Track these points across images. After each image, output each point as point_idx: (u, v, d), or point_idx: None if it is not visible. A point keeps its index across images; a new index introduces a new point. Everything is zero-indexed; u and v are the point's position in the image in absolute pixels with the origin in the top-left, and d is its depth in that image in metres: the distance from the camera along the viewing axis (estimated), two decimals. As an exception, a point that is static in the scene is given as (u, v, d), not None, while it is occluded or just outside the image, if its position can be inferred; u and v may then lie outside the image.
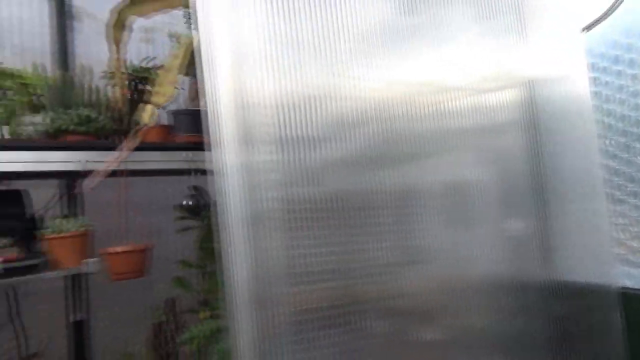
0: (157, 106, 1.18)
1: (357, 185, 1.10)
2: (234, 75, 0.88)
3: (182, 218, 2.27)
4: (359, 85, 1.10)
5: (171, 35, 1.79)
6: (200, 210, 2.16)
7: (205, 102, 0.82)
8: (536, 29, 1.48)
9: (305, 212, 1.03)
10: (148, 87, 2.00)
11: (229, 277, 0.89)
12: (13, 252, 1.63)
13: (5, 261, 1.58)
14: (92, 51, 2.34)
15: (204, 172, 2.09)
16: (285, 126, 1.00)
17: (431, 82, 1.24)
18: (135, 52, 2.46)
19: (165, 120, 2.13)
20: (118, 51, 1.38)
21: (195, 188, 2.23)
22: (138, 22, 2.44)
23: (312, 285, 1.02)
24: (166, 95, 1.18)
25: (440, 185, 1.24)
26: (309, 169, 1.03)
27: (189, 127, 1.98)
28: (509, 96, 1.37)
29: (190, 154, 1.96)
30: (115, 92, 1.85)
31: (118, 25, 1.30)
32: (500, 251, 1.30)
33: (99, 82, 2.00)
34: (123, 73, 1.67)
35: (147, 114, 1.16)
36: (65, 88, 1.86)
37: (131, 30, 1.33)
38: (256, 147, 0.93)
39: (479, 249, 1.29)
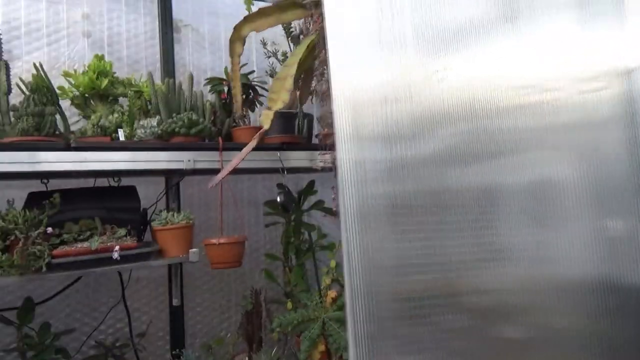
0: (274, 111, 1.31)
1: (450, 181, 1.16)
2: (348, 75, 0.98)
3: (270, 213, 2.43)
4: (453, 81, 1.15)
5: (276, 49, 1.93)
6: (288, 206, 2.29)
7: (332, 104, 0.92)
8: (637, 11, 1.42)
9: (403, 207, 1.10)
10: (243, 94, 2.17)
11: (346, 268, 0.99)
12: (129, 241, 1.83)
13: (123, 249, 1.79)
14: (192, 60, 2.57)
15: (292, 170, 2.23)
16: (387, 124, 1.08)
17: (522, 76, 1.25)
18: (227, 59, 2.66)
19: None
20: (236, 62, 1.53)
21: (282, 186, 2.37)
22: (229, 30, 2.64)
23: (410, 277, 1.09)
24: (282, 101, 1.30)
25: (531, 183, 1.26)
26: (406, 165, 1.10)
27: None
28: (604, 88, 1.35)
29: (280, 153, 2.10)
30: (216, 98, 2.03)
31: (236, 40, 1.45)
32: (594, 251, 1.30)
33: (201, 88, 2.20)
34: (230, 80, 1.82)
35: (266, 119, 1.29)
36: (171, 95, 2.06)
37: (243, 42, 1.47)
38: (364, 144, 1.02)
39: (570, 249, 1.30)
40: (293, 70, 1.33)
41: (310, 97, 1.90)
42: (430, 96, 1.12)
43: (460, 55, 1.18)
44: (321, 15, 1.41)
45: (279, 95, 1.32)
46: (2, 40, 1.97)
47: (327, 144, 1.90)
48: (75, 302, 2.19)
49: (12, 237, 1.62)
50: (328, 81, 0.95)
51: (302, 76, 1.41)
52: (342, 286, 2.08)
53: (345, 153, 1.01)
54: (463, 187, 1.16)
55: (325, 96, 1.43)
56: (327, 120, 1.55)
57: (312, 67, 1.53)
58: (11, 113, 1.82)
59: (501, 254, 1.24)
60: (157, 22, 2.46)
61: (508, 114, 1.23)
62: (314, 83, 1.66)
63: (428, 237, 1.14)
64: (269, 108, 1.33)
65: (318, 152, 2.05)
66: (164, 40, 2.44)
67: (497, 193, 1.21)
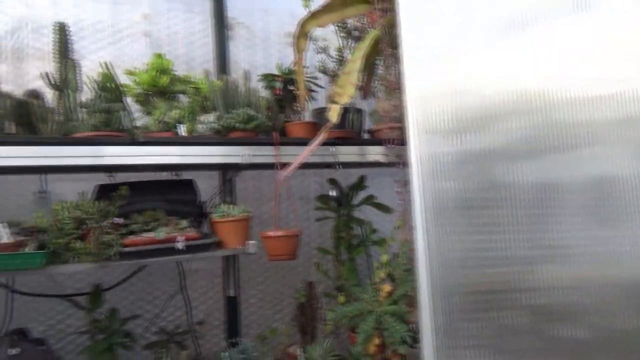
0: (341, 105, 1.33)
1: (520, 175, 1.14)
2: (421, 69, 0.99)
3: (321, 208, 2.46)
4: (523, 73, 1.13)
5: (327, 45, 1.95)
6: (340, 201, 2.32)
7: (404, 98, 0.93)
8: None
9: (474, 201, 1.10)
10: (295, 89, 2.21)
11: (419, 261, 1.00)
12: (192, 233, 1.90)
13: (186, 239, 1.86)
14: (244, 56, 2.63)
15: (343, 165, 2.25)
16: (459, 117, 1.08)
17: (592, 67, 1.21)
18: (277, 56, 2.71)
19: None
20: (300, 58, 1.57)
21: (335, 181, 2.40)
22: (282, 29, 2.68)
23: (481, 271, 1.09)
24: (348, 96, 1.32)
25: (602, 179, 1.23)
26: (476, 159, 1.09)
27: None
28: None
29: (334, 148, 2.12)
30: (270, 93, 2.08)
31: (301, 36, 1.48)
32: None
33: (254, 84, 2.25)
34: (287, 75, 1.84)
35: (334, 113, 1.31)
36: (228, 91, 2.11)
37: (309, 39, 1.50)
38: (435, 137, 1.03)
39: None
40: (358, 64, 1.34)
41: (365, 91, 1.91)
42: (501, 89, 1.11)
43: (530, 46, 1.16)
44: (384, 10, 1.42)
45: (345, 90, 1.33)
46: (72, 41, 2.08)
47: (388, 139, 1.89)
48: (138, 290, 2.29)
49: (86, 227, 1.71)
50: (399, 75, 0.96)
51: (366, 71, 1.42)
52: (394, 280, 2.09)
53: (416, 147, 1.02)
54: (533, 181, 1.15)
55: (391, 90, 1.44)
56: (390, 114, 1.56)
57: (375, 63, 1.54)
58: (81, 109, 1.92)
59: (571, 250, 1.22)
60: (211, 21, 2.53)
61: (580, 107, 1.20)
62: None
63: (499, 231, 1.13)
64: (335, 102, 1.35)
65: (374, 146, 2.06)
66: (217, 38, 2.50)
67: (568, 187, 1.18)
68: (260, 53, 2.68)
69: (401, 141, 1.83)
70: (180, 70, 2.35)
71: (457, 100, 1.03)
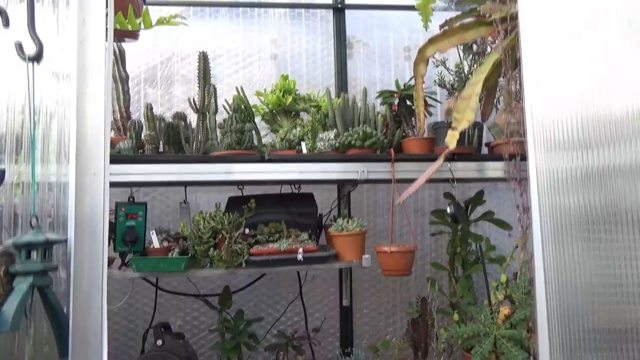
0: (459, 131, 1.33)
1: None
2: (543, 85, 0.96)
3: (436, 223, 2.43)
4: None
5: (444, 57, 1.95)
6: (458, 217, 2.27)
7: (524, 114, 0.93)
8: None
9: (598, 221, 1.03)
10: (412, 104, 2.23)
11: (538, 283, 0.97)
12: (310, 245, 2.02)
13: (305, 251, 1.97)
14: (363, 73, 2.71)
15: (460, 180, 2.20)
16: (582, 132, 1.02)
17: None
18: (395, 71, 2.74)
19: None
20: (419, 83, 1.60)
21: (451, 196, 2.36)
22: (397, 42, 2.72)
23: (603, 299, 1.02)
24: (467, 121, 1.32)
25: None
26: (602, 175, 1.02)
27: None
28: None
29: (450, 164, 2.10)
30: (386, 111, 2.13)
31: (420, 62, 1.51)
32: None
33: (372, 100, 2.32)
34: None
35: (453, 139, 1.32)
36: (347, 108, 2.21)
37: (427, 63, 1.53)
38: (558, 152, 0.98)
39: None
40: (478, 88, 1.33)
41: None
42: (629, 103, 1.03)
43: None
44: (505, 31, 1.39)
45: (463, 115, 1.33)
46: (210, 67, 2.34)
47: (507, 154, 1.83)
48: (261, 293, 2.49)
49: (220, 236, 1.91)
50: (520, 90, 0.95)
51: (485, 93, 1.40)
52: (514, 302, 1.99)
53: (536, 162, 0.99)
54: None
55: (512, 105, 1.40)
56: (510, 128, 1.51)
57: (496, 84, 1.51)
58: (217, 130, 2.15)
59: None
60: (333, 41, 2.66)
61: None
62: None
63: (629, 257, 1.05)
64: (454, 128, 1.35)
65: (493, 162, 2.00)
66: (338, 57, 2.62)
67: None
68: (378, 69, 2.74)
69: (522, 156, 1.75)
70: (303, 89, 2.51)
71: (580, 115, 0.98)
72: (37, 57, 0.85)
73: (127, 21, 1.80)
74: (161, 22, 1.92)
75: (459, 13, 1.83)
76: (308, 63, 2.67)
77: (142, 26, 1.89)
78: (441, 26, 1.71)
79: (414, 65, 1.58)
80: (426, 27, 1.89)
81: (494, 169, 2.14)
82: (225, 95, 2.40)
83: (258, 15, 2.62)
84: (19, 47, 0.84)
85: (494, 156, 2.14)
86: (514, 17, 1.32)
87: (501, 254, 2.31)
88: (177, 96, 2.51)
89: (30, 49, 0.87)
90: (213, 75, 2.48)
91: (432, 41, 1.51)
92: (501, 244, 2.64)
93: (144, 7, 1.93)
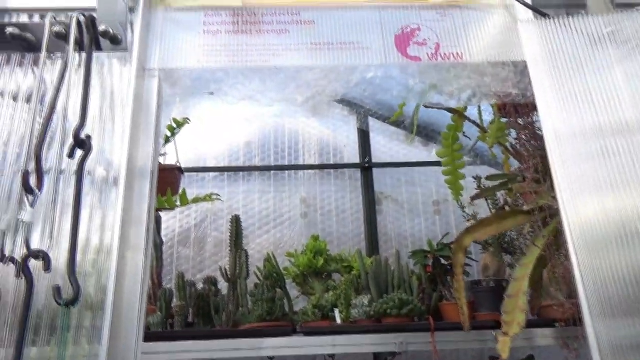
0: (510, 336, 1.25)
1: None
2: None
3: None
4: None
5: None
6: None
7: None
8: None
9: None
10: (447, 264, 2.17)
11: None
12: None
13: None
14: (393, 227, 2.71)
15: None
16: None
17: None
18: (425, 225, 2.73)
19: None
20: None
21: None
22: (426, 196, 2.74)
23: None
24: (518, 324, 1.24)
25: None
26: None
27: (492, 305, 1.99)
28: None
29: (494, 332, 1.95)
30: (422, 278, 2.07)
31: (458, 251, 1.50)
32: None
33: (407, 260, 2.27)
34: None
35: (505, 347, 1.23)
36: (379, 271, 2.15)
37: (465, 252, 1.51)
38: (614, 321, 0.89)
39: None
40: (525, 285, 1.27)
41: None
42: None
43: None
44: (544, 219, 1.37)
45: (513, 318, 1.26)
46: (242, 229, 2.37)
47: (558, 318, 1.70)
48: None
49: None
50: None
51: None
52: None
53: (594, 329, 0.89)
54: None
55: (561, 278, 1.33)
56: (561, 290, 1.41)
57: (542, 277, 1.45)
58: (248, 297, 2.10)
59: None
60: (361, 198, 2.71)
61: None
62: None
63: None
64: (505, 334, 1.27)
65: (542, 328, 1.85)
66: (367, 214, 2.64)
67: None
68: (408, 223, 2.74)
69: (574, 321, 1.62)
70: (333, 246, 2.50)
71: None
72: (74, 301, 0.86)
73: (164, 199, 1.89)
74: (197, 200, 2.01)
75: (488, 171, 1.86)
76: (338, 220, 2.70)
77: (179, 204, 1.97)
78: (473, 199, 1.73)
79: (453, 255, 1.56)
80: (457, 200, 1.91)
81: (543, 336, 1.98)
82: (256, 256, 2.41)
83: (289, 176, 2.74)
84: (57, 292, 0.85)
85: (544, 321, 1.99)
86: (552, 207, 1.32)
87: None
88: (209, 258, 2.52)
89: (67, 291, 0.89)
90: (245, 236, 2.51)
91: (469, 231, 1.50)
92: None
93: (182, 188, 2.02)
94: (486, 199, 2.24)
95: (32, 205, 0.94)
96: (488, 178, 1.78)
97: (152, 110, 1.15)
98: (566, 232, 1.05)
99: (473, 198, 1.73)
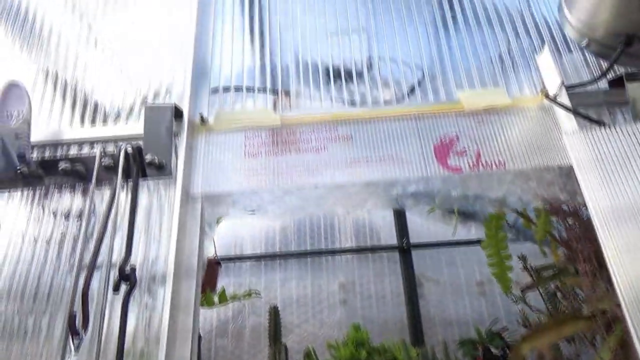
0: None
1: None
2: None
3: None
4: None
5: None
6: None
7: None
8: None
9: None
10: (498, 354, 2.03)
11: None
12: None
13: None
14: (436, 311, 2.58)
15: None
16: None
17: None
18: (470, 307, 2.60)
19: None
20: None
21: None
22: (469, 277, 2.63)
23: None
24: None
25: None
26: None
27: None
28: None
29: None
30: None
31: (518, 356, 1.40)
32: None
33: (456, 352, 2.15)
34: None
35: None
36: (427, 366, 2.03)
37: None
38: None
39: None
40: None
41: None
42: None
43: None
44: (606, 326, 1.27)
45: None
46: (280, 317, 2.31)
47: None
48: None
49: None
50: None
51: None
52: None
53: None
54: None
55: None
56: None
57: None
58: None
59: None
60: (401, 280, 2.63)
61: None
62: None
63: None
64: None
65: None
66: (408, 298, 2.55)
67: None
68: (452, 306, 2.62)
69: None
70: (374, 334, 2.38)
71: None
72: None
73: (203, 299, 1.87)
74: (235, 298, 1.98)
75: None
76: (378, 305, 2.60)
77: (217, 302, 1.95)
78: (523, 291, 1.64)
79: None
80: (506, 293, 1.82)
81: None
82: (295, 347, 2.33)
83: (326, 261, 2.69)
84: None
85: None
86: (613, 311, 1.23)
87: None
88: (247, 351, 2.45)
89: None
90: (283, 326, 2.44)
91: (526, 339, 1.41)
92: None
93: (220, 285, 2.01)
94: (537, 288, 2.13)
95: (77, 348, 0.93)
96: (538, 269, 1.70)
97: (194, 232, 1.16)
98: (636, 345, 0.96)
99: (524, 290, 1.64)
